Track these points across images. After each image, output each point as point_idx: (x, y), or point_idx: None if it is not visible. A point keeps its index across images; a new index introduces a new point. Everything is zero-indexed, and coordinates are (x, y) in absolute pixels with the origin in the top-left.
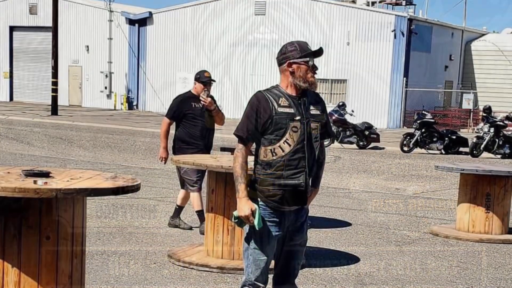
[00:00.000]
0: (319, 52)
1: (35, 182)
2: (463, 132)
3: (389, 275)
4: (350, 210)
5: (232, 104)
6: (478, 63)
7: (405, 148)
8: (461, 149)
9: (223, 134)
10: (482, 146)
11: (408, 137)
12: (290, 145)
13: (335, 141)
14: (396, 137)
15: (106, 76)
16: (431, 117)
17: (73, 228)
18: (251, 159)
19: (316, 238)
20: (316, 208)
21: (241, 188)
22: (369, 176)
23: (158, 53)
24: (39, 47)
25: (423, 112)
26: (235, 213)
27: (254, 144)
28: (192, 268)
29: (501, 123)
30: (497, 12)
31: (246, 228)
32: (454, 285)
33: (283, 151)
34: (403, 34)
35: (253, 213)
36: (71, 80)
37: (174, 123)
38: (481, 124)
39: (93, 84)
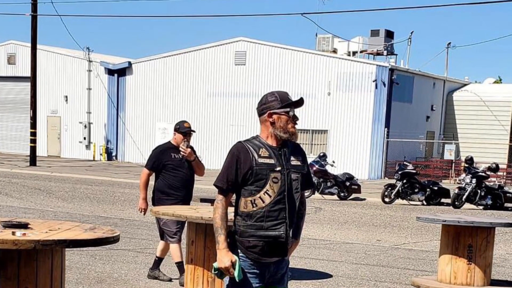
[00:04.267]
0: (299, 102)
1: (13, 233)
2: (445, 183)
3: None
4: (331, 261)
5: (212, 155)
6: (460, 113)
7: (387, 199)
8: (443, 200)
9: (203, 185)
10: (464, 197)
11: (390, 188)
12: (270, 196)
13: (316, 192)
14: (378, 188)
15: (85, 126)
16: (412, 168)
17: (52, 279)
18: (231, 210)
19: None
20: (296, 259)
21: (221, 240)
22: (350, 227)
23: (137, 103)
24: (18, 97)
25: (405, 163)
26: (215, 264)
27: (234, 195)
28: None
29: (483, 174)
30: (479, 62)
31: (226, 280)
32: None
33: (263, 202)
34: (384, 84)
35: (233, 264)
36: (49, 130)
37: (154, 174)
38: (463, 175)
39: (72, 134)
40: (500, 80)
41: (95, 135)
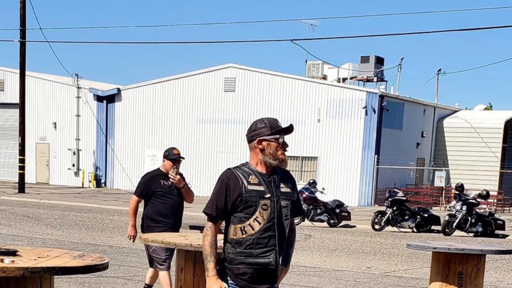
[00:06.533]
0: (289, 129)
1: (2, 260)
2: (435, 210)
3: None
4: None
5: (202, 182)
6: (450, 140)
7: (377, 226)
8: (433, 227)
9: (193, 212)
10: (455, 224)
11: (380, 215)
12: (260, 223)
13: (306, 219)
14: (368, 215)
15: (74, 153)
16: (402, 195)
17: None
18: (220, 237)
19: None
20: (286, 287)
21: (210, 267)
22: (340, 254)
23: (126, 129)
24: (6, 124)
25: (395, 189)
26: None
27: (223, 222)
28: None
29: (473, 201)
30: (469, 89)
31: None
32: None
33: (253, 229)
34: (374, 111)
35: None
36: (38, 157)
37: (143, 201)
38: (454, 202)
39: (61, 161)
40: (491, 106)
41: (84, 162)
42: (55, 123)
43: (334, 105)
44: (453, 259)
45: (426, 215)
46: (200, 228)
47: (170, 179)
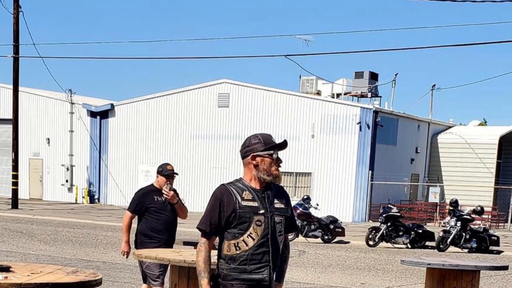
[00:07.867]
0: (283, 145)
1: None
2: (430, 226)
3: None
4: None
5: (195, 197)
6: (444, 155)
7: (371, 242)
8: (428, 243)
9: (186, 228)
10: (449, 240)
11: (374, 231)
12: (254, 239)
13: (300, 235)
14: (362, 231)
15: (67, 169)
16: (397, 210)
17: None
18: (214, 253)
19: None
20: None
21: (204, 283)
22: (334, 270)
23: (120, 145)
24: None
25: (389, 205)
26: None
27: (217, 238)
28: None
29: (468, 217)
30: (463, 104)
31: None
32: None
33: (246, 245)
34: (368, 127)
35: None
36: (31, 173)
37: (137, 217)
38: (448, 218)
39: (54, 177)
40: (485, 122)
41: (77, 178)
42: (48, 139)
43: (328, 121)
44: (448, 275)
45: (420, 231)
46: (194, 244)
47: (164, 195)
